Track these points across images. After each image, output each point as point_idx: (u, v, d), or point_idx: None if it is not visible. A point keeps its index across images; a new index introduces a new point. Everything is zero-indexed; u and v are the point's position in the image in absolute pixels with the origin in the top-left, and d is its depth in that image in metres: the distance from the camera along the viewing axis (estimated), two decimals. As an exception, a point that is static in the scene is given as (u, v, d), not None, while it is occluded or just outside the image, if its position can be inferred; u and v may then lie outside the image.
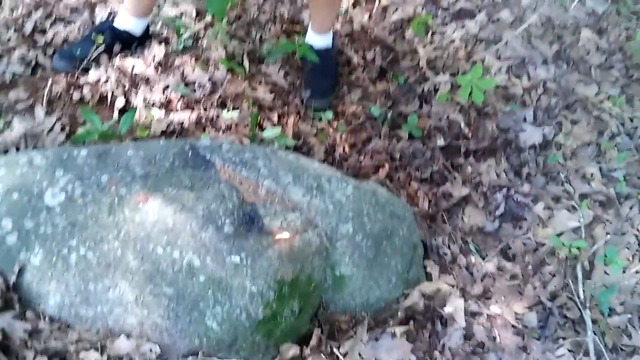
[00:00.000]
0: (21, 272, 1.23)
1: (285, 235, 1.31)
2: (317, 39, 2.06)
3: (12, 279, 1.22)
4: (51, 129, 1.58)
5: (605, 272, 1.73)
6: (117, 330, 1.23)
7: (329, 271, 1.42)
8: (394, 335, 1.39)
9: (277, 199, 1.38)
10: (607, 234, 1.81)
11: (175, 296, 1.22)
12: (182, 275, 1.23)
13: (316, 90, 2.02)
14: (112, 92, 1.76)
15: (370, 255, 1.45)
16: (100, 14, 2.00)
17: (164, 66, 1.91)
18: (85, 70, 1.81)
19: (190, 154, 1.40)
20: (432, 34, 2.39)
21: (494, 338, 1.53)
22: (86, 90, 1.75)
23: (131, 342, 1.23)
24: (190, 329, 1.23)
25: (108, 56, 1.85)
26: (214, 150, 1.43)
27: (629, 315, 1.64)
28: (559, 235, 1.79)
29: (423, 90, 2.17)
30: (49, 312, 1.24)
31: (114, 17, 1.93)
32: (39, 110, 1.63)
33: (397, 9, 2.46)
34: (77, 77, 1.80)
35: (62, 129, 1.61)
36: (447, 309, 1.50)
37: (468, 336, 1.50)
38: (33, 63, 1.82)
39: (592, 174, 1.98)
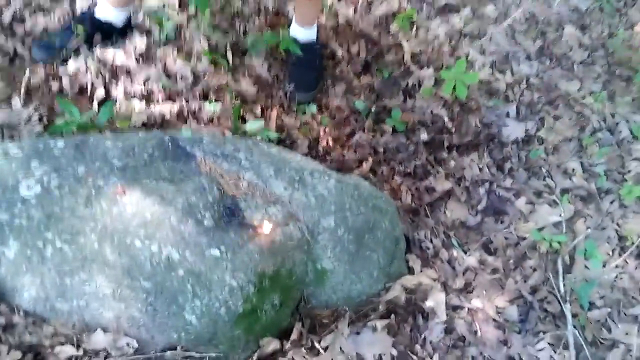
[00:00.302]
0: (-4, 264, 1.21)
1: (266, 227, 1.30)
2: (301, 32, 2.05)
3: (-14, 272, 1.20)
4: (28, 120, 1.54)
5: (586, 267, 1.74)
6: (93, 325, 1.22)
7: (310, 265, 1.41)
8: (375, 329, 1.39)
9: (258, 192, 1.37)
10: (588, 228, 1.82)
11: (153, 290, 1.21)
12: (160, 269, 1.21)
13: (300, 84, 2.01)
14: (92, 83, 1.73)
15: (352, 249, 1.45)
16: (81, 4, 1.96)
17: (146, 57, 1.88)
18: (65, 61, 1.78)
19: (170, 146, 1.38)
20: (417, 28, 2.38)
21: (475, 332, 1.54)
22: (65, 81, 1.71)
23: (108, 336, 1.21)
24: (169, 323, 1.22)
25: (88, 47, 1.81)
26: (195, 143, 1.41)
27: (609, 309, 1.66)
28: (540, 229, 1.80)
29: (407, 85, 2.16)
30: (23, 306, 1.22)
31: (94, 7, 1.89)
32: (17, 101, 1.59)
33: (382, 3, 2.44)
34: (56, 67, 1.77)
35: (40, 119, 1.58)
36: (429, 303, 1.50)
37: (449, 330, 1.51)
38: (11, 53, 1.78)
39: (573, 169, 2.00)
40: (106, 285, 1.20)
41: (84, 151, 1.29)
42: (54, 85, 1.71)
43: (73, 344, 1.19)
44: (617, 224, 1.85)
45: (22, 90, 1.64)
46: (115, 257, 1.21)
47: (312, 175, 1.47)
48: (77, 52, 1.79)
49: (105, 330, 1.21)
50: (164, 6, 2.05)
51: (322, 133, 1.96)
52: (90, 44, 1.82)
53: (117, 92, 1.73)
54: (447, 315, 1.50)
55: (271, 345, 1.32)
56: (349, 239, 1.45)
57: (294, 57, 2.01)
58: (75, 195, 1.24)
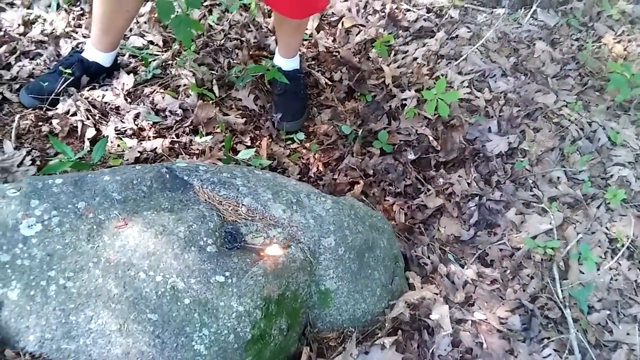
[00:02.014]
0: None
1: (269, 250, 1.30)
2: (285, 62, 2.09)
3: (-11, 316, 1.17)
4: (21, 163, 1.54)
5: (581, 271, 1.77)
6: (101, 363, 1.19)
7: (314, 287, 1.41)
8: (383, 346, 1.39)
9: (258, 216, 1.38)
10: (578, 234, 1.86)
11: (160, 322, 1.19)
12: (166, 300, 1.20)
13: (287, 113, 2.04)
14: (82, 123, 1.74)
15: (354, 268, 1.46)
16: (66, 47, 1.99)
17: (134, 95, 1.91)
18: (54, 104, 1.79)
19: (167, 176, 1.38)
20: (395, 53, 2.45)
21: (481, 344, 1.54)
22: (55, 123, 1.72)
23: (117, 373, 1.19)
24: (178, 355, 1.20)
25: (76, 88, 1.83)
26: (192, 172, 1.42)
27: (608, 312, 1.68)
28: (533, 238, 1.83)
29: (390, 107, 2.21)
30: (29, 349, 1.19)
31: (81, 50, 1.92)
32: (8, 144, 1.59)
33: (360, 32, 2.52)
34: (46, 110, 1.78)
35: (33, 162, 1.58)
36: (433, 317, 1.51)
37: (455, 343, 1.51)
38: (-1, 99, 1.79)
39: (558, 178, 2.05)
40: (112, 320, 1.19)
41: (83, 187, 1.29)
42: (45, 128, 1.72)
43: (82, 383, 1.17)
44: (606, 228, 1.89)
45: (13, 134, 1.65)
46: (120, 290, 1.20)
47: (309, 197, 1.49)
48: (65, 94, 1.81)
49: (114, 366, 1.19)
50: (148, 44, 2.08)
51: (312, 159, 1.99)
52: (78, 85, 1.84)
53: (108, 130, 1.74)
54: (452, 328, 1.51)
55: (281, 371, 1.31)
56: (350, 258, 1.46)
57: (279, 87, 2.05)
58: (76, 232, 1.23)
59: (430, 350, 1.48)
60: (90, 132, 1.73)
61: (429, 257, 1.77)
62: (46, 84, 1.79)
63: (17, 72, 1.87)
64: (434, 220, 1.93)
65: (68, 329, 1.19)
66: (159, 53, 2.08)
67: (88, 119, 1.76)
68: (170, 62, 2.06)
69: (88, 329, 1.19)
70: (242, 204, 1.39)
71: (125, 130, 1.77)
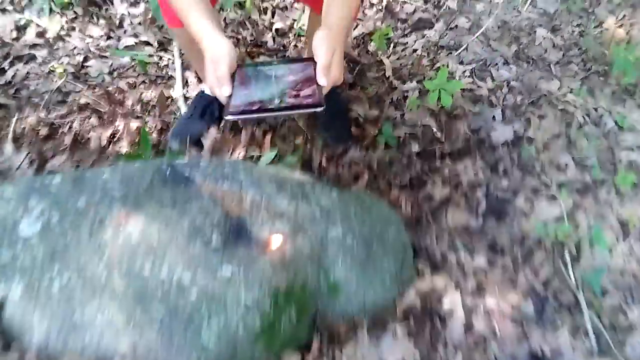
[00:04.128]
0: (1, 307, 1.16)
1: (275, 241, 1.28)
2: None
3: (-8, 315, 1.15)
4: (19, 165, 1.52)
5: (593, 256, 1.74)
6: (109, 357, 1.17)
7: (322, 276, 1.38)
8: (395, 334, 1.36)
9: (263, 208, 1.36)
10: (589, 218, 1.83)
11: (167, 315, 1.17)
12: (173, 293, 1.18)
13: (334, 134, 2.02)
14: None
15: (362, 257, 1.43)
16: (61, 48, 1.97)
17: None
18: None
19: (168, 172, 1.36)
20: (395, 45, 2.43)
21: (494, 330, 1.51)
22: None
23: (125, 368, 1.16)
24: (186, 347, 1.18)
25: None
26: (193, 168, 1.40)
27: (622, 295, 1.65)
28: (543, 224, 1.81)
29: (392, 100, 2.19)
30: (35, 345, 1.17)
31: (202, 92, 1.94)
32: (8, 147, 1.58)
33: (357, 25, 2.50)
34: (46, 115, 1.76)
35: (30, 163, 1.56)
36: (445, 304, 1.48)
37: (468, 330, 1.48)
38: (-5, 104, 1.78)
39: (566, 164, 2.02)
40: (119, 314, 1.17)
41: (82, 185, 1.27)
42: (42, 131, 1.70)
43: (89, 380, 1.14)
44: (617, 212, 1.86)
45: (10, 137, 1.63)
46: (126, 284, 1.17)
47: (314, 188, 1.46)
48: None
49: (121, 362, 1.17)
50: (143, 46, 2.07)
51: (314, 153, 1.96)
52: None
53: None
54: (464, 316, 1.48)
55: (292, 359, 1.28)
56: (358, 248, 1.43)
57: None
58: (78, 228, 1.21)
59: (443, 336, 1.45)
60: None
61: (438, 247, 1.74)
62: (194, 131, 1.84)
63: (12, 77, 1.86)
64: (441, 210, 1.90)
65: (74, 324, 1.17)
66: (153, 54, 2.07)
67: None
68: (166, 63, 2.05)
69: (94, 324, 1.17)
70: (247, 197, 1.37)
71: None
